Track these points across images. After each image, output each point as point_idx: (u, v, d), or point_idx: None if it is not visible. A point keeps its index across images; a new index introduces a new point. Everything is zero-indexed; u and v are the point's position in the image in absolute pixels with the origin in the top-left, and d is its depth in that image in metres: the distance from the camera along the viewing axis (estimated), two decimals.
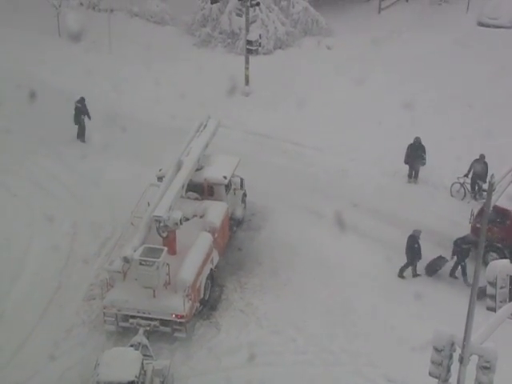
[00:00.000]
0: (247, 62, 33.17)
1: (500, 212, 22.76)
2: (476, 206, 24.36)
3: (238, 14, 34.78)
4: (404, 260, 23.09)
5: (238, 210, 24.66)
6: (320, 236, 24.46)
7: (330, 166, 28.30)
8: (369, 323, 21.04)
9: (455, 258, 22.69)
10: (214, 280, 22.33)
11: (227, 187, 23.99)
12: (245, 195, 25.51)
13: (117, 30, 36.50)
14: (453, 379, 15.16)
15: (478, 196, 26.10)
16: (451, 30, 37.83)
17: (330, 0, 40.48)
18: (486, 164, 25.81)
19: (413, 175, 27.45)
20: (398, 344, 19.97)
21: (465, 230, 23.69)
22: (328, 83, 33.22)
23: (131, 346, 18.96)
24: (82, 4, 40.19)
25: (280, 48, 37.58)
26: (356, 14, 40.56)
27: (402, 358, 19.59)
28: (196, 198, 23.56)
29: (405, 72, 33.71)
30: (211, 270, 21.97)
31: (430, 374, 15.11)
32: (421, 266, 23.03)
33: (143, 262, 19.88)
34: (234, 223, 24.55)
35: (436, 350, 14.86)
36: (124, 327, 20.70)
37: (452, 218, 25.29)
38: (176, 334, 20.55)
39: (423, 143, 26.85)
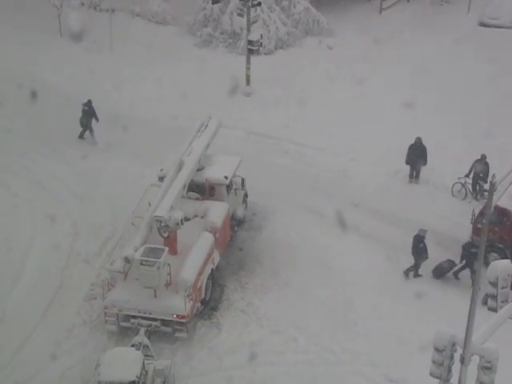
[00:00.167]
0: (248, 62, 33.18)
1: (501, 212, 22.76)
2: (477, 206, 24.36)
3: (240, 14, 34.75)
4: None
5: (239, 210, 24.66)
6: (321, 236, 24.47)
7: (331, 166, 28.31)
8: (370, 323, 21.04)
9: (464, 262, 22.65)
10: (215, 280, 22.33)
11: (228, 187, 23.99)
12: (246, 195, 25.51)
13: (118, 30, 36.53)
14: (454, 379, 15.16)
15: (479, 196, 26.10)
16: (452, 30, 37.83)
17: (332, 0, 40.49)
18: (487, 164, 25.81)
19: (414, 175, 27.45)
20: (398, 344, 19.98)
21: (466, 230, 23.71)
22: (329, 83, 33.22)
23: (132, 345, 18.96)
24: (83, 4, 40.20)
25: (281, 48, 37.60)
26: (357, 13, 40.56)
27: (402, 357, 19.60)
28: (197, 198, 23.56)
29: (406, 72, 33.70)
30: (212, 270, 21.97)
31: (431, 374, 15.11)
32: (428, 267, 22.94)
33: (144, 262, 19.89)
34: (235, 223, 24.55)
35: (437, 350, 14.86)
36: (125, 327, 20.70)
37: (453, 218, 25.29)
38: (177, 334, 20.55)
39: (424, 143, 26.85)
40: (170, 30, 39.28)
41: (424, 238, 22.57)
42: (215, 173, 23.72)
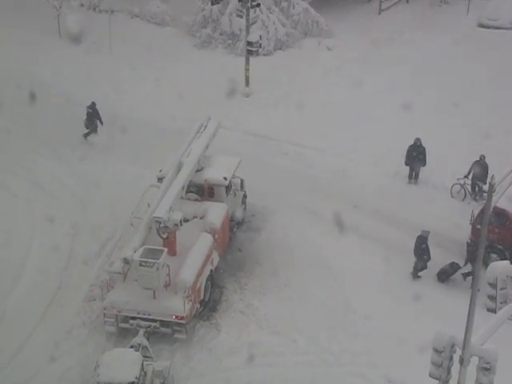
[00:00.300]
0: (247, 63, 33.19)
1: (500, 213, 22.77)
2: (476, 207, 24.37)
3: (239, 15, 34.76)
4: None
5: (238, 211, 24.66)
6: (320, 237, 24.47)
7: (330, 167, 28.31)
8: (369, 324, 21.04)
9: (469, 264, 22.61)
10: (214, 281, 22.33)
11: (227, 188, 23.99)
12: (245, 196, 25.51)
13: (117, 31, 36.53)
14: (453, 380, 15.16)
15: (478, 197, 26.12)
16: (451, 31, 37.84)
17: (331, 1, 40.51)
18: (486, 165, 25.82)
19: (413, 176, 27.46)
20: (398, 345, 19.97)
21: (465, 231, 23.72)
22: (328, 84, 33.25)
23: (131, 347, 18.98)
24: (82, 5, 40.18)
25: (280, 49, 37.60)
26: (356, 15, 40.57)
27: (402, 358, 19.59)
28: (196, 199, 23.56)
29: (405, 73, 33.72)
30: (211, 271, 21.97)
31: (430, 375, 15.12)
32: (431, 271, 22.89)
33: (143, 263, 19.88)
34: (234, 224, 24.55)
35: (436, 351, 14.87)
36: (124, 328, 20.69)
37: (452, 219, 25.30)
38: (176, 335, 20.54)
39: (423, 144, 26.85)
40: (169, 31, 39.28)
41: (427, 239, 22.54)
42: (214, 174, 23.72)
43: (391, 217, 25.53)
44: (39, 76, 33.12)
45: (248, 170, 25.32)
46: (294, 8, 38.92)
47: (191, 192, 23.38)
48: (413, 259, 23.08)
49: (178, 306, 20.14)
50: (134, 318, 20.53)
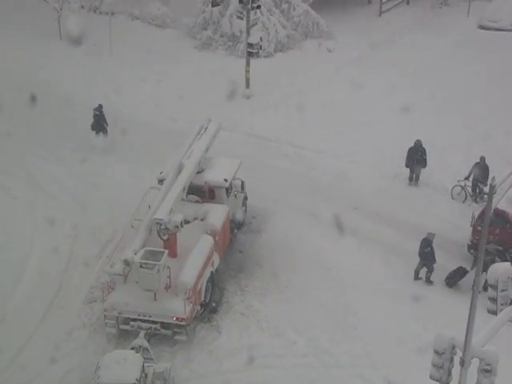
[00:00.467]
0: (248, 64, 33.20)
1: (500, 214, 22.77)
2: (477, 209, 24.36)
3: (239, 17, 34.79)
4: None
5: (238, 212, 24.65)
6: (320, 239, 24.46)
7: (331, 169, 28.31)
8: (369, 326, 21.02)
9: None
10: (215, 283, 22.32)
11: (228, 190, 23.99)
12: (245, 198, 25.50)
13: (118, 33, 36.57)
14: (454, 382, 15.15)
15: (478, 199, 26.12)
16: (452, 32, 37.90)
17: (331, 3, 40.55)
18: (486, 167, 25.82)
19: (413, 178, 27.45)
20: (398, 347, 19.97)
21: (466, 232, 23.72)
22: (329, 86, 33.26)
23: (132, 348, 18.95)
24: (83, 7, 40.23)
25: (281, 51, 37.64)
26: (357, 16, 40.62)
27: (402, 360, 19.58)
28: (197, 201, 23.56)
29: (405, 75, 33.73)
30: (212, 272, 21.96)
31: (430, 376, 15.10)
32: (437, 275, 22.85)
33: (144, 265, 19.87)
34: (234, 226, 24.54)
35: (437, 352, 14.85)
36: (125, 330, 20.68)
37: (453, 221, 25.30)
38: (177, 337, 20.53)
39: (424, 146, 26.85)
40: (169, 33, 39.32)
41: (432, 241, 22.50)
42: (215, 175, 23.72)
43: (391, 219, 25.53)
44: (40, 78, 33.15)
45: (248, 172, 25.32)
46: (294, 10, 38.96)
47: (192, 194, 23.38)
48: (413, 261, 23.09)
49: (178, 307, 20.13)
50: (134, 320, 20.51)
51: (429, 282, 22.91)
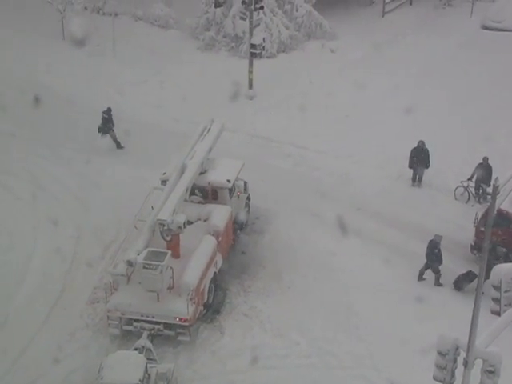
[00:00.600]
0: (251, 65, 33.20)
1: (504, 215, 22.73)
2: (480, 210, 24.34)
3: (242, 18, 34.80)
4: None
5: (241, 213, 24.64)
6: (323, 239, 24.45)
7: (334, 170, 28.29)
8: (372, 326, 21.01)
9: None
10: (218, 283, 22.32)
11: (231, 191, 23.98)
12: (248, 199, 25.49)
13: (121, 34, 36.59)
14: (457, 383, 15.13)
15: (482, 199, 26.09)
16: (455, 33, 37.86)
17: (334, 3, 40.54)
18: (489, 167, 25.79)
19: (416, 179, 27.42)
20: (401, 347, 19.94)
21: (469, 233, 23.69)
22: (331, 86, 33.23)
23: (135, 349, 18.97)
24: (86, 8, 40.22)
25: (284, 51, 37.63)
26: (360, 17, 40.60)
27: (405, 361, 19.56)
28: (200, 202, 23.56)
29: (409, 75, 33.71)
30: (215, 273, 21.96)
31: (434, 377, 15.08)
32: (445, 278, 22.80)
33: (147, 266, 19.88)
34: (237, 227, 24.53)
35: (440, 353, 14.83)
36: (128, 330, 20.68)
37: (456, 222, 25.27)
38: (180, 338, 20.53)
39: (427, 147, 26.83)
40: (172, 34, 39.34)
41: (439, 243, 22.43)
42: (218, 176, 23.72)
43: (394, 219, 25.50)
44: (42, 79, 33.18)
45: (251, 173, 25.32)
46: (297, 10, 38.95)
47: (195, 194, 23.38)
48: (416, 262, 23.08)
49: (181, 308, 20.13)
50: (137, 321, 20.52)
51: (438, 284, 22.85)
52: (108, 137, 29.04)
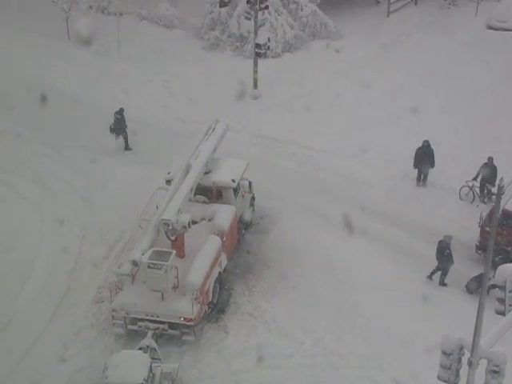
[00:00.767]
0: (256, 65, 33.20)
1: (509, 215, 22.70)
2: (485, 210, 24.31)
3: (247, 18, 34.80)
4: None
5: (246, 213, 24.65)
6: (328, 239, 24.44)
7: (338, 169, 28.28)
8: (377, 326, 21.00)
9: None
10: (223, 283, 22.33)
11: (236, 190, 24.00)
12: (253, 198, 25.51)
13: (126, 34, 36.62)
14: (462, 383, 15.12)
15: (486, 199, 26.05)
16: (460, 33, 37.81)
17: (339, 3, 40.51)
18: (494, 167, 25.75)
19: (421, 178, 27.39)
20: (406, 347, 19.92)
21: (474, 233, 23.66)
22: (336, 86, 33.21)
23: (140, 349, 19.00)
24: (91, 8, 40.28)
25: (288, 51, 37.62)
26: (365, 17, 40.57)
27: (410, 361, 19.55)
28: (204, 202, 23.59)
29: (414, 75, 33.68)
30: (219, 273, 21.97)
31: (438, 377, 15.08)
32: (454, 278, 22.75)
33: (152, 265, 19.91)
34: (242, 226, 24.55)
35: (445, 353, 14.82)
36: (132, 330, 20.71)
37: (461, 222, 25.23)
38: (184, 337, 20.55)
39: (432, 146, 26.80)
40: (177, 34, 39.36)
41: (449, 244, 22.36)
42: (222, 176, 23.74)
43: (399, 219, 25.49)
44: (48, 78, 33.20)
45: (256, 172, 25.33)
46: (302, 10, 38.94)
47: (199, 194, 23.40)
48: (421, 261, 23.09)
49: (186, 308, 20.15)
50: (142, 320, 20.55)
51: (443, 284, 22.81)
52: (121, 138, 29.07)
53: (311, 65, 35.81)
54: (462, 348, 14.74)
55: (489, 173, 25.74)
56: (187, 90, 33.10)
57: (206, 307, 21.25)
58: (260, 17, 33.59)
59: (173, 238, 21.04)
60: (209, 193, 23.66)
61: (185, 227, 20.85)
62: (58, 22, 37.28)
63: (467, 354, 14.81)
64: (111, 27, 36.74)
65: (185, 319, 20.23)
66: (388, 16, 41.25)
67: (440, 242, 22.51)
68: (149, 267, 19.95)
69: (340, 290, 22.40)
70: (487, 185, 25.94)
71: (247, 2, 32.77)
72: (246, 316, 21.64)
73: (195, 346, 20.52)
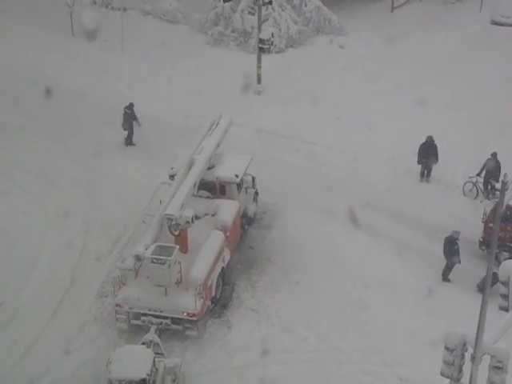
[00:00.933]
0: (259, 60, 33.17)
1: None
2: (489, 205, 24.29)
3: (251, 13, 34.79)
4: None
5: (249, 208, 24.66)
6: (331, 234, 24.43)
7: (342, 165, 28.27)
8: (380, 322, 20.99)
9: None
10: (226, 278, 22.35)
11: (239, 186, 23.99)
12: (256, 193, 25.50)
13: (130, 29, 36.62)
14: (465, 379, 15.12)
15: (490, 195, 26.03)
16: (464, 28, 37.74)
17: None
18: (498, 163, 25.72)
19: (425, 174, 27.37)
20: (410, 343, 19.93)
21: (477, 229, 23.64)
22: (340, 82, 33.21)
23: (143, 343, 19.00)
24: (95, 2, 40.33)
25: (292, 46, 37.60)
26: (369, 12, 40.52)
27: (413, 356, 19.56)
28: (208, 197, 23.59)
29: (418, 71, 33.64)
30: (223, 268, 21.99)
31: (441, 373, 15.08)
32: (453, 271, 22.82)
33: (155, 260, 19.93)
34: (245, 221, 24.55)
35: (448, 349, 14.82)
36: (136, 325, 20.74)
37: (464, 217, 25.21)
38: (187, 332, 20.56)
39: (436, 142, 26.77)
40: (181, 29, 39.36)
41: (457, 239, 22.31)
42: (226, 171, 23.73)
43: (403, 215, 25.47)
44: (52, 73, 33.19)
45: (259, 168, 25.32)
46: (306, 5, 38.92)
47: (203, 189, 23.40)
48: (424, 257, 23.08)
49: (189, 303, 20.17)
50: (145, 315, 20.57)
51: (446, 279, 22.79)
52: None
53: (315, 60, 35.78)
54: (465, 344, 14.73)
55: (493, 168, 25.70)
56: (191, 85, 33.10)
57: (209, 302, 21.26)
58: (264, 12, 33.59)
59: (176, 233, 21.04)
60: (212, 188, 23.65)
61: (188, 222, 20.84)
62: (62, 17, 37.29)
63: (470, 350, 14.81)
64: (115, 22, 36.72)
65: (188, 314, 20.25)
66: (392, 11, 41.21)
67: (447, 237, 22.46)
68: (152, 262, 19.97)
69: (343, 286, 22.40)
70: (491, 180, 25.89)
71: None
72: (248, 311, 21.66)
73: (198, 340, 20.54)
